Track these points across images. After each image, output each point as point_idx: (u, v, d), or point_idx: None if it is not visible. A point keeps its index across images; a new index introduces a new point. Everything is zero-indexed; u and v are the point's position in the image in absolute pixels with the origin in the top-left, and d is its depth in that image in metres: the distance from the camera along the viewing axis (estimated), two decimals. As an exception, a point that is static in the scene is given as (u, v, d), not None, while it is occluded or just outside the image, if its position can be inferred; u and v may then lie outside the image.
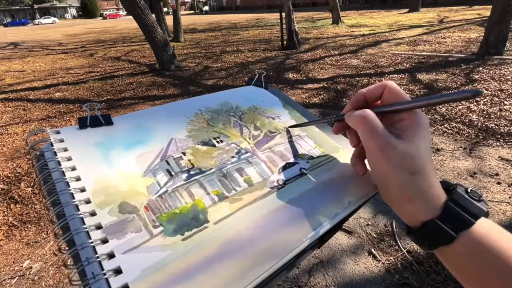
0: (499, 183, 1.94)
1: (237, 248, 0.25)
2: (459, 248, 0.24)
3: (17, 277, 1.52)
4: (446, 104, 3.22)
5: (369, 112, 0.27)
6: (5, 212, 2.02)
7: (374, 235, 1.61)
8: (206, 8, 46.53)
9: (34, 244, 1.73)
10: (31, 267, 1.57)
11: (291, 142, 0.38)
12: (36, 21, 37.92)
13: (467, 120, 2.84)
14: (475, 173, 2.06)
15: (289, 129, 0.40)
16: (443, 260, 0.26)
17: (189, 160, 0.32)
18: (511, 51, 4.89)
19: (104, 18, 45.37)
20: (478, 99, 3.25)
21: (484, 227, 0.24)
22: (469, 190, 0.27)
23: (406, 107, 0.27)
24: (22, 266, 1.59)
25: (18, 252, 1.68)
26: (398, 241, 1.55)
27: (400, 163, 0.25)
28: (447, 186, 0.28)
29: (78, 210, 0.24)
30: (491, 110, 2.97)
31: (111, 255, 0.22)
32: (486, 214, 0.25)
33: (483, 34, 5.03)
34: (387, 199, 0.28)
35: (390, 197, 0.27)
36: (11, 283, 1.49)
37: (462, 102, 3.23)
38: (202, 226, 0.26)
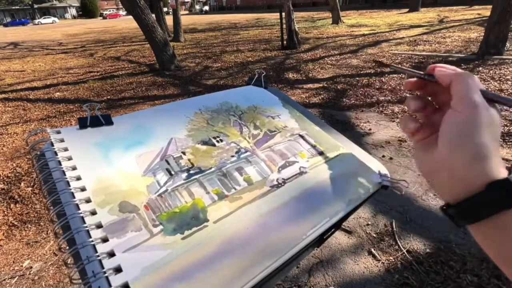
0: (499, 183, 1.94)
1: (237, 246, 0.25)
2: None
3: (17, 277, 1.52)
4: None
5: (466, 73, 0.26)
6: (5, 212, 2.02)
7: (374, 235, 1.61)
8: (206, 8, 46.51)
9: (34, 244, 1.73)
10: (31, 267, 1.57)
11: (290, 141, 0.38)
12: (36, 21, 37.91)
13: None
14: (475, 173, 2.06)
15: (289, 128, 0.40)
16: (491, 235, 0.25)
17: (189, 160, 0.32)
18: (511, 51, 4.89)
19: (104, 18, 45.36)
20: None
21: None
22: None
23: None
24: (22, 266, 1.59)
25: (18, 252, 1.68)
26: (398, 241, 1.55)
27: (487, 120, 0.25)
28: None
29: (79, 209, 0.24)
30: (491, 110, 2.97)
31: (111, 254, 0.22)
32: None
33: (483, 34, 5.03)
34: (454, 164, 0.25)
35: (459, 159, 0.25)
36: (11, 283, 1.49)
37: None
38: (202, 225, 0.26)
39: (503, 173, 0.24)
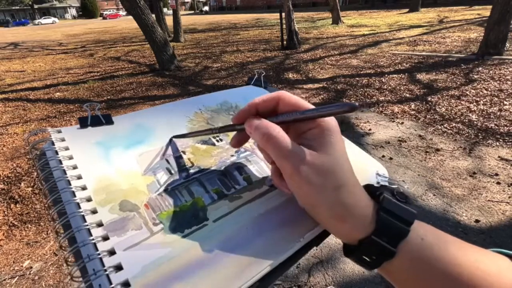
0: (498, 183, 1.94)
1: (236, 245, 0.25)
2: (399, 262, 0.22)
3: (17, 277, 1.52)
4: (444, 103, 3.22)
5: (273, 126, 0.24)
6: (5, 212, 2.02)
7: (374, 235, 1.61)
8: (206, 8, 46.51)
9: (34, 244, 1.73)
10: (31, 267, 1.57)
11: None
12: (36, 21, 37.92)
13: (466, 120, 2.84)
14: (474, 173, 2.07)
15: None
16: (388, 276, 0.24)
17: (189, 159, 0.32)
18: (511, 51, 4.90)
19: (104, 18, 45.37)
20: (478, 99, 3.26)
21: (419, 235, 0.23)
22: (395, 192, 0.25)
23: (308, 116, 0.24)
24: (22, 266, 1.59)
25: (18, 252, 1.68)
26: (398, 241, 1.56)
27: (322, 181, 0.22)
28: (373, 191, 0.26)
29: (79, 208, 0.25)
30: (490, 110, 2.97)
31: (112, 252, 0.23)
32: (416, 217, 0.23)
33: (483, 34, 5.04)
34: (319, 220, 0.25)
35: (320, 218, 0.25)
36: (11, 283, 1.49)
37: (461, 102, 3.23)
38: (201, 224, 0.26)
39: (371, 208, 0.23)
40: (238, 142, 0.29)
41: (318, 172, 0.23)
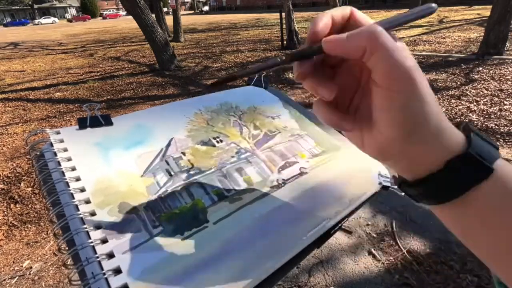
0: (499, 183, 1.94)
1: (237, 247, 0.25)
2: (490, 188, 0.19)
3: (17, 277, 1.52)
4: (445, 103, 3.22)
5: (378, 26, 0.19)
6: (5, 212, 2.02)
7: (374, 235, 1.61)
8: (206, 8, 46.50)
9: (34, 244, 1.73)
10: (31, 267, 1.57)
11: (291, 141, 0.38)
12: (36, 21, 37.90)
13: (467, 120, 2.84)
14: (475, 173, 2.06)
15: (290, 128, 0.40)
16: (456, 215, 0.21)
17: (189, 160, 0.32)
18: (511, 51, 4.89)
19: (104, 18, 45.35)
20: (478, 99, 3.25)
21: (503, 162, 0.20)
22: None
23: (388, 27, 0.20)
24: (22, 266, 1.59)
25: (18, 252, 1.68)
26: (398, 241, 1.55)
27: (427, 86, 0.20)
28: (457, 124, 0.23)
29: (78, 210, 0.24)
30: (491, 110, 2.97)
31: (110, 255, 0.22)
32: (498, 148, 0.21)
33: (483, 34, 5.03)
34: (396, 147, 0.21)
35: (409, 140, 0.20)
36: (11, 283, 1.49)
37: (461, 102, 3.23)
38: (201, 226, 0.26)
39: (460, 141, 0.20)
40: (303, 74, 0.23)
41: (424, 79, 0.20)
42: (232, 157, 0.34)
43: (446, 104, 3.23)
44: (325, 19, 0.21)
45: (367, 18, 0.22)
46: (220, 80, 0.26)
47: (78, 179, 0.27)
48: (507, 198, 0.19)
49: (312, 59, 0.23)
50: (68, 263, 0.23)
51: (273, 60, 0.24)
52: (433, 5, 0.20)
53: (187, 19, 23.12)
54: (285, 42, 7.35)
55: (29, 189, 2.27)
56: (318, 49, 0.21)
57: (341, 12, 0.22)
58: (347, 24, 0.22)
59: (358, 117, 0.23)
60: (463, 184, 0.20)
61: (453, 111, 3.04)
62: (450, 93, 3.51)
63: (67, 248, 0.23)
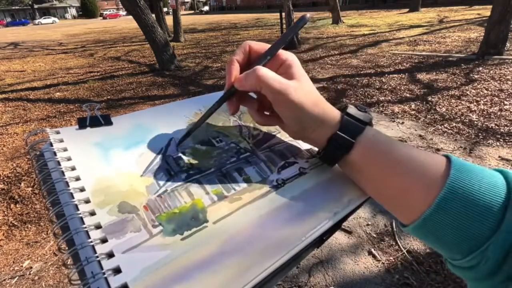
0: (499, 183, 1.94)
1: (237, 247, 0.25)
2: (356, 154, 0.29)
3: (17, 277, 1.52)
4: (445, 103, 3.22)
5: (262, 68, 0.28)
6: (5, 212, 2.02)
7: (374, 235, 1.61)
8: (206, 8, 46.50)
9: (34, 244, 1.73)
10: (31, 267, 1.57)
11: (290, 141, 0.38)
12: (36, 21, 37.92)
13: (467, 120, 2.84)
14: (475, 173, 2.06)
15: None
16: (348, 171, 0.32)
17: (189, 160, 0.32)
18: (511, 51, 4.89)
19: (104, 18, 45.36)
20: (478, 99, 3.25)
21: (371, 132, 0.29)
22: (357, 106, 0.32)
23: (275, 52, 0.30)
24: (22, 266, 1.59)
25: (18, 252, 1.68)
26: (398, 241, 1.55)
27: (308, 99, 0.29)
28: (341, 107, 0.33)
29: (78, 209, 0.24)
30: (491, 110, 2.97)
31: (110, 255, 0.22)
32: (371, 120, 0.30)
33: (483, 34, 5.03)
34: (300, 134, 0.32)
35: (305, 130, 0.31)
36: (11, 283, 1.49)
37: (461, 102, 3.23)
38: (201, 226, 0.26)
39: (336, 124, 0.30)
40: (234, 107, 0.33)
41: (304, 93, 0.29)
42: (232, 157, 0.34)
43: (446, 104, 3.23)
44: (233, 66, 0.31)
45: (262, 45, 0.31)
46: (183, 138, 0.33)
47: (77, 179, 0.27)
48: (366, 163, 0.29)
49: (232, 98, 0.33)
50: (68, 262, 0.23)
51: (211, 109, 0.33)
52: (307, 15, 0.29)
53: (187, 19, 23.13)
54: (285, 42, 7.35)
55: (29, 189, 2.27)
56: (234, 89, 0.30)
57: (242, 51, 0.31)
58: (251, 55, 0.32)
59: (275, 114, 0.32)
60: (337, 154, 0.30)
61: (453, 111, 3.04)
62: (450, 93, 3.51)
63: (66, 248, 0.23)
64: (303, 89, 0.29)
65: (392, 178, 0.27)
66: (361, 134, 0.29)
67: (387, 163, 0.27)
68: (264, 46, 0.31)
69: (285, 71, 0.30)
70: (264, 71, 0.28)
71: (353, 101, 3.55)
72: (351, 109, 0.31)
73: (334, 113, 0.30)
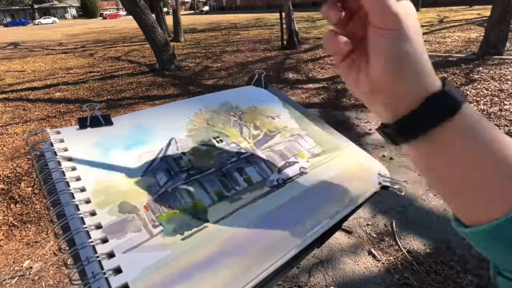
0: (499, 183, 1.94)
1: (237, 247, 0.25)
2: (453, 125, 0.23)
3: (17, 277, 1.52)
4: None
5: None
6: (5, 212, 2.02)
7: (374, 235, 1.61)
8: (206, 8, 46.49)
9: (34, 244, 1.73)
10: (31, 267, 1.57)
11: (291, 141, 0.38)
12: (36, 21, 37.91)
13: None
14: (475, 173, 2.06)
15: (289, 128, 0.40)
16: (424, 149, 0.24)
17: (189, 160, 0.32)
18: (511, 51, 4.89)
19: (104, 18, 45.34)
20: (478, 99, 3.25)
21: (474, 110, 0.24)
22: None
23: None
24: (22, 266, 1.59)
25: (18, 252, 1.68)
26: (398, 241, 1.55)
27: (419, 39, 0.23)
28: None
29: (78, 209, 0.24)
30: (491, 110, 2.97)
31: (111, 255, 0.22)
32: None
33: (483, 34, 5.03)
34: (389, 84, 0.24)
35: (401, 77, 0.23)
36: (11, 283, 1.49)
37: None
38: (201, 226, 0.26)
39: (437, 84, 0.24)
40: (334, 11, 0.26)
41: (415, 31, 0.23)
42: (232, 157, 0.34)
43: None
44: None
45: None
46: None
47: (78, 179, 0.27)
48: (468, 138, 0.23)
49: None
50: (69, 262, 0.23)
51: None
52: None
53: (187, 19, 23.13)
54: (285, 42, 7.35)
55: (29, 189, 2.27)
56: None
57: None
58: None
59: (359, 56, 0.26)
60: (429, 121, 0.23)
61: (453, 111, 3.04)
62: (450, 93, 3.51)
63: (67, 248, 0.23)
64: (414, 21, 0.23)
65: (484, 162, 0.22)
66: (465, 103, 0.23)
67: (488, 143, 0.22)
68: None
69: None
70: None
71: (353, 102, 3.55)
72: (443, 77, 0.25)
73: (433, 70, 0.24)
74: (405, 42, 0.23)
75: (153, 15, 6.52)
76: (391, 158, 2.33)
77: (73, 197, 0.25)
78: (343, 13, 0.26)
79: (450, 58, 5.00)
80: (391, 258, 1.47)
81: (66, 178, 0.26)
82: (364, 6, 0.23)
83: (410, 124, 0.24)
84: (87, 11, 51.58)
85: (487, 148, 0.22)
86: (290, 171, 0.33)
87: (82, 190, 0.26)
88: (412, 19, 0.23)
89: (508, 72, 3.96)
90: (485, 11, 9.99)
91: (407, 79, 0.23)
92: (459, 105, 0.23)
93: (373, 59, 0.24)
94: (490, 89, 3.46)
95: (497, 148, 0.22)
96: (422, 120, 0.24)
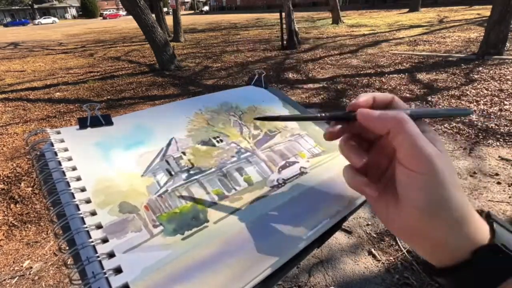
0: (499, 183, 1.94)
1: (237, 247, 0.25)
2: None
3: (17, 277, 1.52)
4: (445, 103, 3.22)
5: (408, 117, 0.22)
6: (5, 212, 2.02)
7: (374, 235, 1.61)
8: (206, 8, 46.49)
9: (34, 244, 1.73)
10: (31, 267, 1.57)
11: (291, 141, 0.38)
12: (36, 21, 37.90)
13: (467, 120, 2.84)
14: (475, 173, 2.07)
15: (290, 128, 0.40)
16: None
17: (189, 160, 0.32)
18: (511, 51, 4.89)
19: (104, 18, 45.33)
20: (478, 99, 3.25)
21: None
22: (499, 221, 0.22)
23: (434, 115, 0.25)
24: (22, 266, 1.59)
25: (18, 252, 1.68)
26: (398, 241, 1.55)
27: (452, 176, 0.20)
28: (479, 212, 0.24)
29: (79, 209, 0.24)
30: (491, 110, 2.97)
31: (111, 255, 0.22)
32: None
33: (483, 34, 5.03)
34: (423, 228, 0.21)
35: (435, 221, 0.21)
36: (11, 283, 1.49)
37: (461, 102, 3.23)
38: (202, 226, 0.26)
39: (485, 231, 0.21)
40: (335, 135, 0.26)
41: (450, 173, 0.21)
42: (232, 156, 0.34)
43: (446, 104, 3.23)
44: (368, 97, 0.25)
45: (405, 105, 0.26)
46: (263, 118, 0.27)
47: (78, 179, 0.27)
48: None
49: (345, 126, 0.26)
50: (69, 262, 0.23)
51: (313, 115, 0.27)
52: (471, 109, 0.23)
53: (187, 19, 23.13)
54: (285, 42, 7.35)
55: (29, 189, 2.27)
56: (353, 116, 0.25)
57: (383, 96, 0.25)
58: (390, 106, 0.25)
59: (386, 189, 0.25)
60: (495, 277, 0.19)
61: (453, 111, 3.04)
62: (450, 93, 3.51)
63: (67, 248, 0.23)
64: (448, 161, 0.21)
65: None
66: None
67: None
68: (406, 106, 0.25)
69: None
70: (410, 121, 0.21)
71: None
72: (494, 216, 0.22)
73: (477, 216, 0.21)
74: (439, 186, 0.20)
75: (153, 15, 6.52)
76: (391, 158, 2.33)
77: (74, 197, 0.25)
78: (365, 159, 0.24)
79: (450, 58, 5.00)
80: (391, 258, 1.47)
81: (66, 178, 0.26)
82: (387, 137, 0.22)
83: (462, 280, 0.21)
84: (87, 11, 51.57)
85: None
86: (290, 171, 0.33)
87: (83, 190, 0.26)
88: (445, 158, 0.21)
89: (508, 72, 3.96)
90: (485, 11, 9.99)
91: (444, 227, 0.21)
92: None
93: (403, 200, 0.22)
94: (490, 89, 3.46)
95: None
96: (474, 278, 0.20)
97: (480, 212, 0.23)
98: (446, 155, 0.22)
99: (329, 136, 0.26)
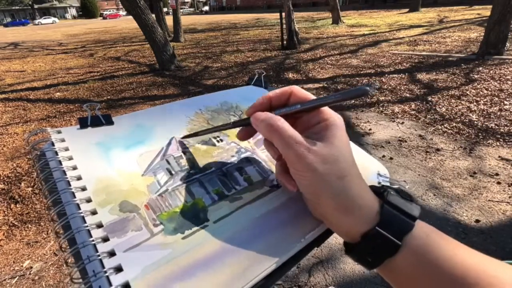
0: (499, 183, 1.94)
1: (237, 246, 0.25)
2: (403, 258, 0.22)
3: (17, 277, 1.52)
4: (445, 103, 3.22)
5: (276, 117, 0.25)
6: (5, 212, 2.02)
7: (374, 235, 1.61)
8: (206, 8, 46.49)
9: (34, 244, 1.73)
10: (31, 267, 1.57)
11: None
12: (36, 21, 37.92)
13: (467, 120, 2.84)
14: (475, 173, 2.07)
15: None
16: (388, 276, 0.24)
17: (189, 159, 0.32)
18: (511, 51, 4.89)
19: (104, 18, 45.33)
20: (478, 99, 3.25)
21: (424, 231, 0.22)
22: (398, 190, 0.25)
23: (310, 107, 0.25)
24: (22, 266, 1.59)
25: (18, 252, 1.68)
26: (398, 241, 1.55)
27: (326, 168, 0.23)
28: (376, 190, 0.26)
29: (79, 209, 0.24)
30: (491, 110, 2.97)
31: (112, 253, 0.22)
32: (420, 215, 0.23)
33: (483, 34, 5.03)
34: (321, 215, 0.26)
35: (323, 211, 0.25)
36: (11, 283, 1.49)
37: (461, 102, 3.23)
38: (202, 225, 0.26)
39: (373, 215, 0.23)
40: (244, 135, 0.30)
41: (322, 160, 0.23)
42: (233, 156, 0.34)
43: (446, 104, 3.23)
44: (263, 100, 0.27)
45: (306, 94, 0.27)
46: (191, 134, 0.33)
47: (79, 178, 0.27)
48: (417, 269, 0.21)
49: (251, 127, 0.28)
50: (69, 261, 0.23)
51: (226, 125, 0.32)
52: (367, 88, 0.22)
53: (187, 19, 23.13)
54: (285, 42, 7.36)
55: (29, 189, 2.27)
56: (248, 122, 0.27)
57: (280, 92, 0.27)
58: (290, 100, 0.27)
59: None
60: (378, 256, 0.23)
61: (453, 111, 3.04)
62: (450, 93, 3.52)
63: (68, 247, 0.23)
64: (328, 155, 0.23)
65: None
66: (410, 233, 0.22)
67: (446, 278, 0.21)
68: (307, 96, 0.27)
69: (319, 131, 0.25)
70: (279, 122, 0.24)
71: (352, 102, 3.55)
72: (393, 197, 0.24)
73: (371, 200, 0.24)
74: (322, 183, 0.23)
75: (153, 15, 6.52)
76: (391, 158, 2.33)
77: (74, 196, 0.25)
78: (277, 154, 0.28)
79: (450, 58, 5.00)
80: (391, 258, 1.47)
81: (67, 177, 0.26)
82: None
83: (358, 256, 0.24)
84: (87, 11, 51.59)
85: (448, 281, 0.21)
86: (290, 171, 0.33)
87: (83, 189, 0.26)
88: (332, 162, 0.23)
89: (508, 72, 3.96)
90: (485, 11, 10.00)
91: (333, 215, 0.24)
92: (395, 245, 0.22)
93: (302, 192, 0.26)
94: (490, 89, 3.46)
95: (459, 277, 0.20)
96: (362, 257, 0.24)
97: (380, 191, 0.25)
98: (327, 146, 0.23)
99: (241, 137, 0.30)
